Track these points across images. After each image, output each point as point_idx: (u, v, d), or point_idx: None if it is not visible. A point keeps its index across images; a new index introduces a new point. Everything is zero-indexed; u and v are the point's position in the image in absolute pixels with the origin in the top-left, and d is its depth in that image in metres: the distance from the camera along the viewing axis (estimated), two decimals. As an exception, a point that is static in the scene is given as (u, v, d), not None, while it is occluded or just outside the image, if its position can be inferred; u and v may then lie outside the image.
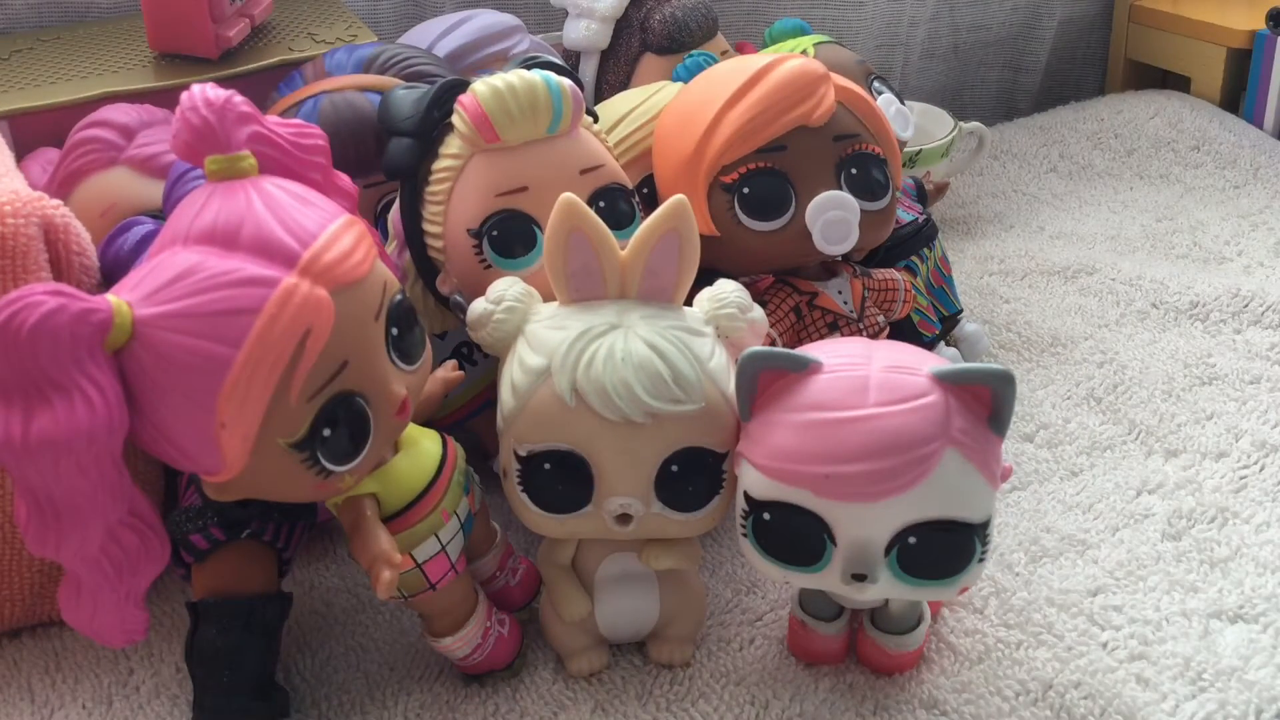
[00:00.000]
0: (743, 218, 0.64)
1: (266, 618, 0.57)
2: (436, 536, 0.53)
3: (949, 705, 0.57)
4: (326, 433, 0.47)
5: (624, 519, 0.53)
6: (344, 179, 0.55)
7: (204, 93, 0.49)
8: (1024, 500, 0.70)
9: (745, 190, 0.64)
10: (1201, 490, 0.70)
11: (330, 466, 0.48)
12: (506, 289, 0.55)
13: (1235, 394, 0.78)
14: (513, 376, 0.53)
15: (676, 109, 0.68)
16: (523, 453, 0.52)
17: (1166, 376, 0.80)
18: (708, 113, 0.64)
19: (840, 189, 0.64)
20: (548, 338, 0.52)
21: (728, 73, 0.66)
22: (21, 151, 0.72)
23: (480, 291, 0.56)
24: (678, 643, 0.59)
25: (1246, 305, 0.87)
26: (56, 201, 0.57)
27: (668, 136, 0.68)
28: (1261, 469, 0.71)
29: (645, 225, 0.53)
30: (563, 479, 0.52)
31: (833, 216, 0.63)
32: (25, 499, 0.45)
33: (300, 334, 0.45)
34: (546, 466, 0.52)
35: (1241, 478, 0.71)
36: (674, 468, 0.52)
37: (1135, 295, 0.90)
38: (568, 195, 0.53)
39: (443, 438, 0.56)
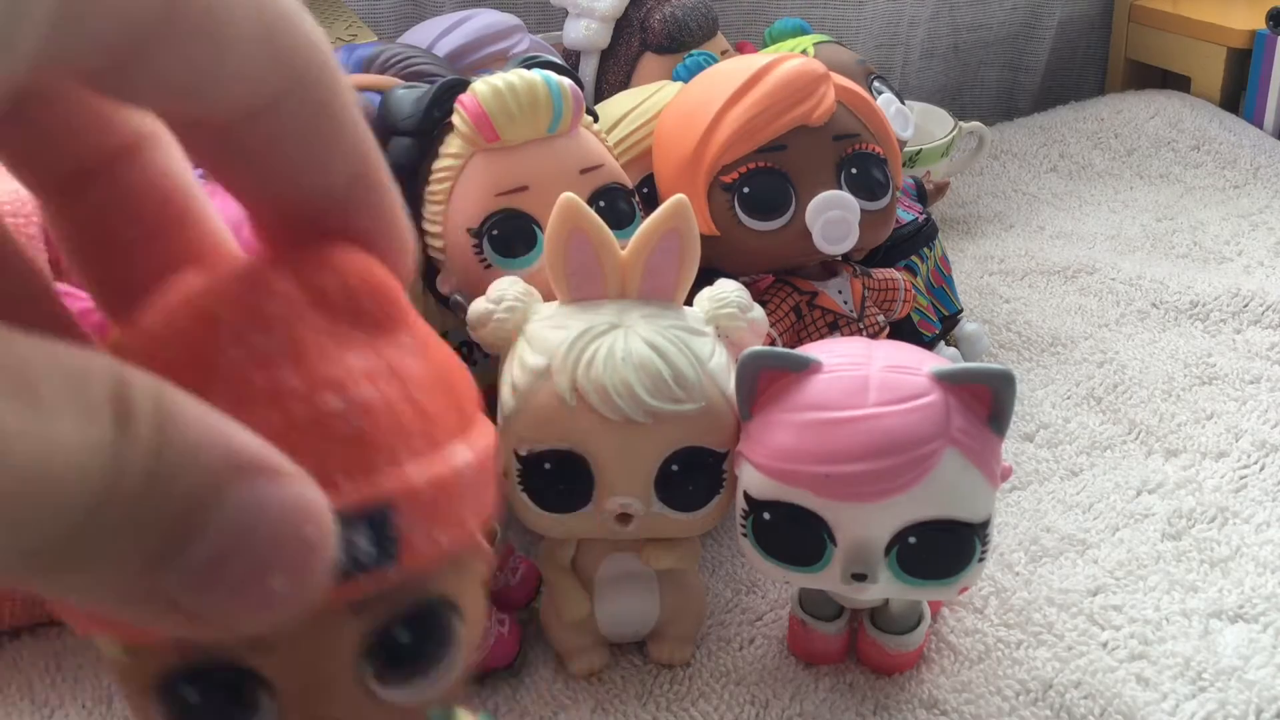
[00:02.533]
0: (743, 217, 0.64)
1: None
2: None
3: (949, 705, 0.56)
4: None
5: (624, 518, 0.53)
6: None
7: None
8: (1024, 500, 0.70)
9: (745, 190, 0.64)
10: (1201, 490, 0.70)
11: None
12: (507, 288, 0.55)
13: (1235, 394, 0.78)
14: (513, 376, 0.53)
15: (676, 109, 0.69)
16: (523, 452, 0.52)
17: (1166, 376, 0.80)
18: (708, 112, 0.64)
19: (840, 188, 0.64)
20: (548, 337, 0.52)
21: (728, 72, 0.67)
22: (21, 151, 0.72)
23: (480, 291, 0.56)
24: (678, 642, 0.59)
25: (1246, 305, 0.87)
26: (56, 201, 0.57)
27: (668, 136, 0.68)
28: (1261, 469, 0.71)
29: (645, 225, 0.53)
30: (563, 478, 0.52)
31: (833, 216, 0.63)
32: None
33: None
34: (547, 466, 0.52)
35: (1241, 478, 0.71)
36: (674, 467, 0.52)
37: (1135, 295, 0.90)
38: (568, 195, 0.53)
39: None
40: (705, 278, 0.81)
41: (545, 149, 0.61)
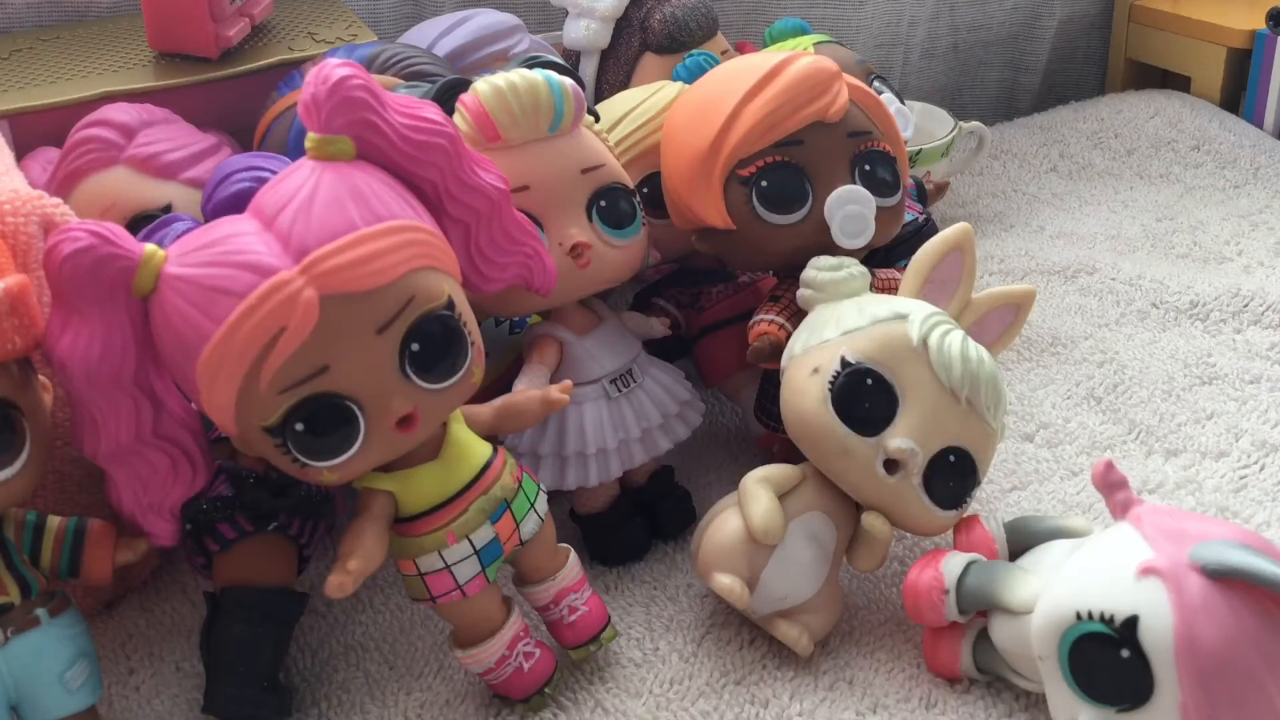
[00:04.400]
0: (761, 210, 0.64)
1: (285, 611, 0.57)
2: (440, 554, 0.53)
3: (949, 705, 0.57)
4: (299, 427, 0.47)
5: (893, 466, 0.56)
6: (476, 178, 0.53)
7: (326, 68, 0.48)
8: (1024, 500, 0.70)
9: (763, 183, 0.64)
10: (1201, 490, 0.70)
11: (303, 460, 0.48)
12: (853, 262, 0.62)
13: (1235, 394, 0.78)
14: (871, 307, 0.58)
15: (689, 104, 0.68)
16: (852, 360, 0.56)
17: (1166, 376, 0.80)
18: (725, 106, 0.64)
19: (855, 184, 0.64)
20: (902, 300, 0.59)
21: (742, 68, 0.66)
22: (21, 151, 0.72)
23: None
24: (806, 630, 0.59)
25: (1246, 305, 0.87)
26: (56, 200, 0.57)
27: (680, 131, 0.67)
28: (1261, 469, 0.71)
29: (997, 292, 0.62)
30: (874, 400, 0.56)
31: (851, 210, 0.63)
32: (67, 390, 0.49)
33: (273, 330, 0.45)
34: (869, 381, 0.56)
35: (1241, 478, 0.71)
36: (952, 458, 0.56)
37: (1135, 295, 0.90)
38: (968, 226, 0.60)
39: (490, 461, 0.54)
40: (705, 276, 0.81)
41: (546, 149, 0.61)
